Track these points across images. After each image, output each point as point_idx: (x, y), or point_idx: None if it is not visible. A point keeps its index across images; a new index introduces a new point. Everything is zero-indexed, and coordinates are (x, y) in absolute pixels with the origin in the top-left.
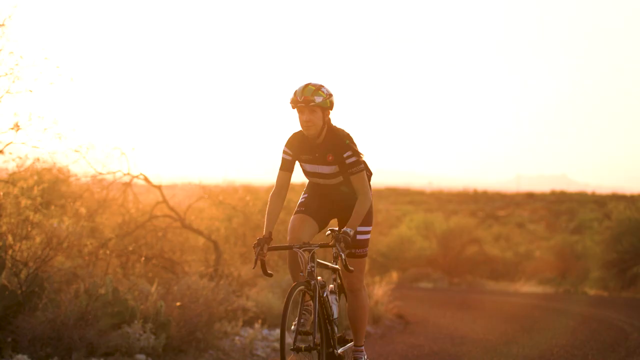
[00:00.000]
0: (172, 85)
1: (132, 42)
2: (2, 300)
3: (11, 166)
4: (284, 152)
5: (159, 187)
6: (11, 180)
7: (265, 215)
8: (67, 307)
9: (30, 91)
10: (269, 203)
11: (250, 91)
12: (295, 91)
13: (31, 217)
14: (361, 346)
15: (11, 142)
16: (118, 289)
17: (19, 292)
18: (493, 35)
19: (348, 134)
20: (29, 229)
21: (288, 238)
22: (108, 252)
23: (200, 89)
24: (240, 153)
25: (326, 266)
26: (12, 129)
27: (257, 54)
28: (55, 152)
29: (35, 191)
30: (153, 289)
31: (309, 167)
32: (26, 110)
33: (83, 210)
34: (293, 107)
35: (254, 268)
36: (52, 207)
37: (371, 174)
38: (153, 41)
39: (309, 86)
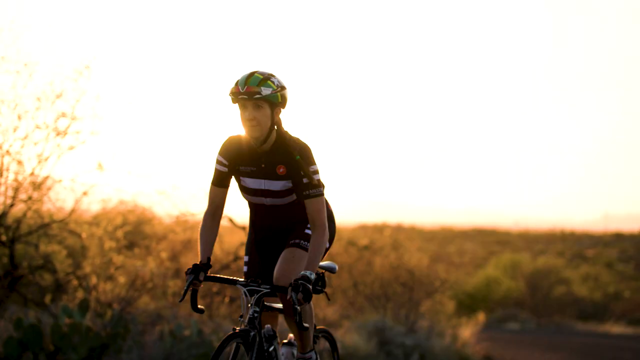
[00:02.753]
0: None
1: (216, 83)
2: (86, 341)
3: (95, 208)
4: (218, 161)
5: (243, 228)
6: (95, 221)
7: (199, 240)
8: (152, 348)
9: (114, 133)
10: (202, 225)
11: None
12: (237, 80)
13: (115, 259)
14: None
15: (95, 184)
16: (203, 330)
17: (104, 333)
18: (580, 71)
19: (306, 145)
20: (113, 270)
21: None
22: None
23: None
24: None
25: (273, 309)
26: (96, 170)
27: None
28: (139, 193)
29: (119, 232)
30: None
31: (250, 183)
32: (110, 151)
33: (165, 253)
34: (233, 102)
35: (180, 301)
36: (136, 249)
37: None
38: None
39: (255, 74)
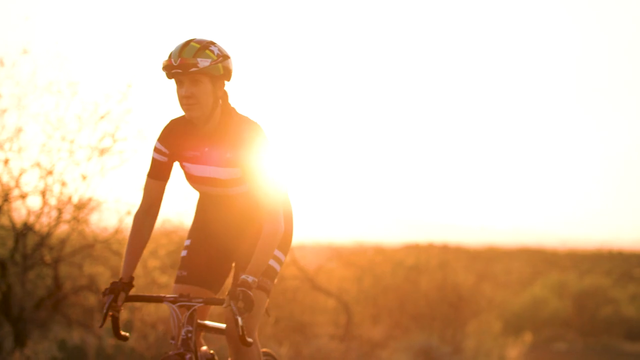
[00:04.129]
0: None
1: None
2: None
3: None
4: (155, 149)
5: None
6: None
7: (125, 249)
8: None
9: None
10: (131, 228)
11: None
12: (171, 52)
13: (158, 278)
14: None
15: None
16: None
17: (148, 354)
18: (629, 82)
19: (257, 124)
20: (157, 290)
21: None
22: None
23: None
24: (371, 212)
25: (209, 328)
26: (140, 189)
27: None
28: (184, 212)
29: (163, 252)
30: (283, 351)
31: (194, 170)
32: None
33: None
34: (168, 77)
35: (100, 326)
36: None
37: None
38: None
39: (191, 44)
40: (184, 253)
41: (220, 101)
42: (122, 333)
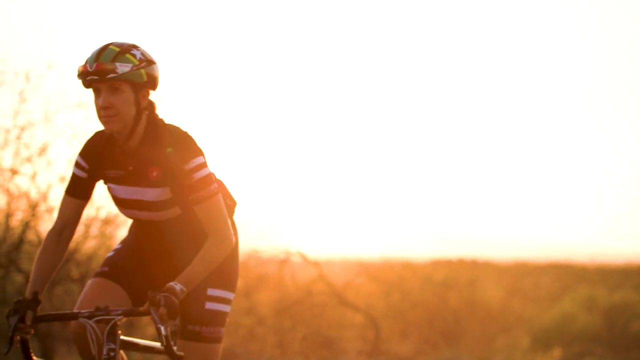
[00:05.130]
0: (333, 167)
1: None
2: None
3: None
4: (76, 163)
5: (316, 264)
6: None
7: (33, 266)
8: None
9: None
10: (41, 247)
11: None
12: (87, 58)
13: None
14: None
15: None
16: None
17: None
18: None
19: (186, 133)
20: None
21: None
22: (265, 329)
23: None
24: (399, 227)
25: (140, 347)
26: None
27: None
28: None
29: None
30: None
31: (119, 192)
32: None
33: (238, 287)
34: (85, 85)
35: (7, 352)
36: None
37: (234, 203)
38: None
39: (110, 47)
40: (111, 252)
41: (146, 112)
42: (34, 358)
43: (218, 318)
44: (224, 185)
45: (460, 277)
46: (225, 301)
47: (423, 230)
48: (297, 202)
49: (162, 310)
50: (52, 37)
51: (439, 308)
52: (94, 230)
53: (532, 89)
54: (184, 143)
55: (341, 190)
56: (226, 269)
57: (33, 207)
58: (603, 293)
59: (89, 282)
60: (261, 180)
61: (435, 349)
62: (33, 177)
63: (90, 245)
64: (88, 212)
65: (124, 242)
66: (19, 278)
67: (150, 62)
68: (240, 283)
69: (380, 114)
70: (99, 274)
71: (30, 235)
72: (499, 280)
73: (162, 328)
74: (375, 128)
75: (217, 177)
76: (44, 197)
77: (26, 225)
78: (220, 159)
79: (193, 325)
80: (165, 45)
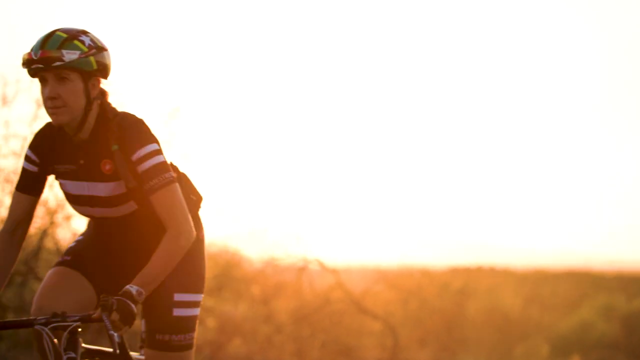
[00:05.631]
0: (349, 170)
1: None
2: None
3: None
4: (26, 157)
5: (334, 272)
6: None
7: None
8: None
9: (203, 174)
10: None
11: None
12: (33, 45)
13: (205, 303)
14: None
15: None
16: None
17: None
18: None
19: (140, 119)
20: (202, 313)
21: (32, 308)
22: (284, 337)
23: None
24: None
25: (103, 354)
26: None
27: None
28: (229, 235)
29: (209, 276)
30: None
31: (71, 187)
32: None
33: (256, 297)
34: (30, 75)
35: None
36: (226, 292)
37: (200, 198)
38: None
39: (57, 33)
40: (73, 242)
41: (97, 102)
42: None
43: (188, 324)
44: (189, 179)
45: (478, 285)
46: (194, 305)
47: (441, 238)
48: (315, 209)
49: (115, 316)
50: None
51: (457, 316)
52: None
53: (550, 95)
54: (134, 131)
55: (359, 197)
56: (191, 270)
57: (51, 214)
58: (621, 300)
59: (50, 271)
60: (279, 188)
61: (453, 356)
62: (50, 185)
63: None
64: None
65: (85, 234)
66: (36, 286)
67: (100, 49)
68: (258, 290)
69: (399, 122)
70: (60, 263)
71: (48, 243)
72: (518, 287)
73: (115, 335)
74: (394, 135)
75: (181, 170)
76: (62, 204)
77: (44, 233)
78: (238, 166)
79: (162, 334)
80: (172, 48)
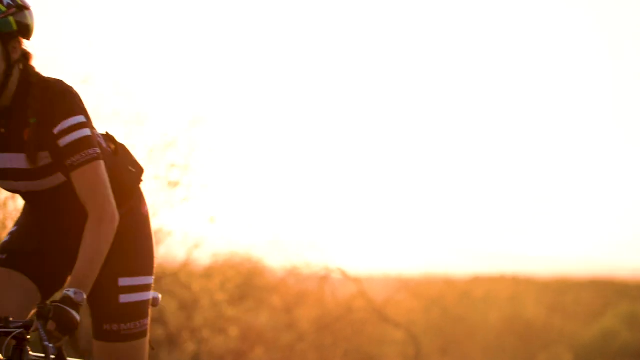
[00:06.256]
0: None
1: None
2: None
3: (207, 260)
4: None
5: (356, 281)
6: (207, 274)
7: None
8: None
9: (225, 183)
10: None
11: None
12: None
13: (227, 311)
14: None
15: (207, 236)
16: None
17: None
18: None
19: (69, 88)
20: (224, 323)
21: None
22: (306, 346)
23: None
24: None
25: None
26: (208, 221)
27: None
28: (251, 245)
29: (231, 285)
30: None
31: None
32: (221, 202)
33: (278, 306)
34: None
35: None
36: (248, 301)
37: (141, 170)
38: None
39: None
40: (7, 235)
41: (19, 66)
42: None
43: (138, 310)
44: (127, 150)
45: (500, 293)
46: (143, 288)
47: (463, 246)
48: (337, 218)
49: (51, 325)
50: (86, 50)
51: (479, 324)
52: None
53: (574, 102)
54: (58, 100)
55: (382, 206)
56: (136, 250)
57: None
58: None
59: None
60: (301, 197)
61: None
62: None
63: None
64: None
65: (19, 223)
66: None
67: (21, 8)
68: (280, 299)
69: (421, 131)
70: None
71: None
72: (540, 296)
73: (49, 347)
74: (418, 144)
75: (119, 141)
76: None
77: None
78: (260, 175)
79: (109, 324)
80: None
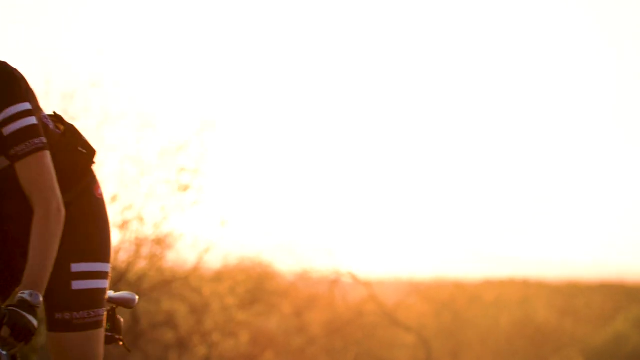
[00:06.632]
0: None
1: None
2: None
3: (217, 264)
4: None
5: (367, 284)
6: (217, 278)
7: None
8: None
9: (235, 188)
10: None
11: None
12: None
13: (237, 315)
14: None
15: (217, 240)
16: None
17: None
18: None
19: (13, 71)
20: (235, 327)
21: None
22: (317, 349)
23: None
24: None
25: None
26: (219, 225)
27: None
28: (262, 249)
29: (241, 289)
30: None
31: None
32: (232, 207)
33: (288, 310)
34: None
35: None
36: (258, 305)
37: (92, 152)
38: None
39: None
40: None
41: None
42: None
43: (92, 298)
44: (77, 131)
45: (511, 297)
46: (97, 275)
47: (474, 250)
48: (348, 222)
49: (5, 331)
50: (94, 55)
51: (490, 328)
52: (145, 250)
53: (584, 108)
54: (1, 86)
55: (392, 210)
56: (90, 235)
57: None
58: None
59: None
60: (312, 201)
61: None
62: None
63: (141, 266)
64: (138, 232)
65: None
66: None
67: None
68: (289, 303)
69: (432, 136)
70: None
71: None
72: (551, 300)
73: (4, 354)
74: (428, 150)
75: (68, 123)
76: None
77: None
78: (271, 180)
79: (61, 312)
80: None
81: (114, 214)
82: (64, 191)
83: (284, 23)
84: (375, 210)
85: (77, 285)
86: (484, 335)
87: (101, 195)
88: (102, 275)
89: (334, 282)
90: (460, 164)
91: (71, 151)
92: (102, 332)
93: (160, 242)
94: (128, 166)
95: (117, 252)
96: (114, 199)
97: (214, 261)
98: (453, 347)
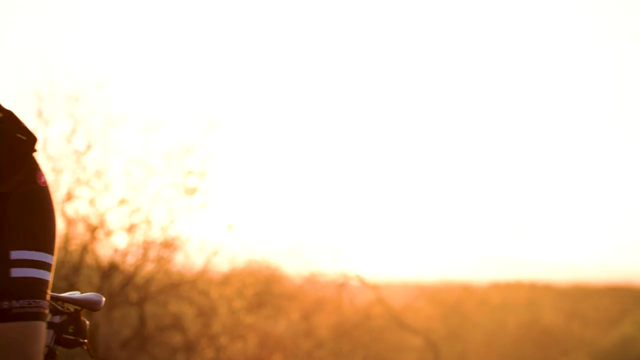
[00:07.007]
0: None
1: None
2: None
3: (225, 267)
4: None
5: (374, 288)
6: (225, 281)
7: None
8: None
9: (243, 190)
10: None
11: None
12: None
13: (244, 318)
14: None
15: (224, 243)
16: None
17: None
18: None
19: None
20: (243, 330)
21: None
22: (324, 353)
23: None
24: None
25: None
26: (226, 229)
27: None
28: (269, 252)
29: (249, 292)
30: None
31: None
32: (239, 210)
33: (296, 313)
34: None
35: None
36: (266, 308)
37: (34, 138)
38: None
39: None
40: None
41: None
42: None
43: (32, 287)
44: (16, 117)
45: (518, 300)
46: (39, 265)
47: (481, 253)
48: (355, 225)
49: None
50: (98, 56)
51: (497, 331)
52: (152, 253)
53: (592, 111)
54: None
55: (400, 213)
56: (31, 223)
57: (92, 230)
58: None
59: None
60: (320, 204)
61: None
62: (91, 201)
63: (148, 269)
64: (145, 235)
65: None
66: None
67: None
68: (297, 307)
69: (438, 139)
70: None
71: (89, 259)
72: (558, 303)
73: None
74: (435, 153)
75: (6, 109)
76: (102, 220)
77: (85, 249)
78: (277, 183)
79: (7, 300)
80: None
81: (121, 217)
82: (2, 179)
83: (292, 25)
84: (382, 213)
85: (16, 272)
86: (491, 338)
87: (45, 183)
88: (44, 265)
89: (342, 285)
90: (468, 167)
91: (9, 138)
92: (43, 327)
93: (168, 245)
94: (135, 169)
95: (124, 255)
96: (121, 202)
97: (221, 264)
98: (460, 349)
